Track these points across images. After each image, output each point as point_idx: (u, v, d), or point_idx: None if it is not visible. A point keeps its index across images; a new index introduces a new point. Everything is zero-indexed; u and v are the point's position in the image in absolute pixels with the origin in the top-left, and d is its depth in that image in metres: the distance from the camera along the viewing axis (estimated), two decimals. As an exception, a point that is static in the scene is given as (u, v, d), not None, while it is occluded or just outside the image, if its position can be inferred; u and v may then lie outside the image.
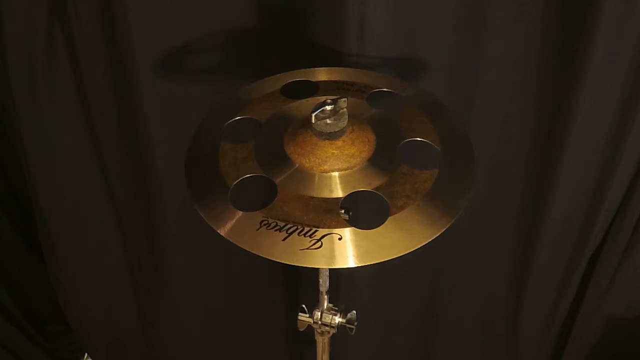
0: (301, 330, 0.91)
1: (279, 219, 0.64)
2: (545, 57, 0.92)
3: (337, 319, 0.89)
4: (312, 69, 0.86)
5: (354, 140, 0.70)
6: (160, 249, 1.25)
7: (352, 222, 0.64)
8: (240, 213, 0.65)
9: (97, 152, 1.12)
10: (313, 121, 0.68)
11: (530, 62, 0.93)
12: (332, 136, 0.69)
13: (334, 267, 0.62)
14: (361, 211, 0.68)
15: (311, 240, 0.62)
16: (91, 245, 1.27)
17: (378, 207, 0.66)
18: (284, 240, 0.62)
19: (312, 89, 0.81)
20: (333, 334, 0.92)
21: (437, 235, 0.63)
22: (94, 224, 1.23)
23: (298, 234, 0.62)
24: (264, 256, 0.61)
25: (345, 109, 0.69)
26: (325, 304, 0.89)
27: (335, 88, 0.82)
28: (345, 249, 0.62)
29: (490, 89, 0.97)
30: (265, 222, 0.63)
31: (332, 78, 0.84)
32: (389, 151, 0.72)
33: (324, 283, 0.87)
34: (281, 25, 0.96)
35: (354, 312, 0.89)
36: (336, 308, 0.90)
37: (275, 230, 0.63)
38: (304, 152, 0.70)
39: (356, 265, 0.61)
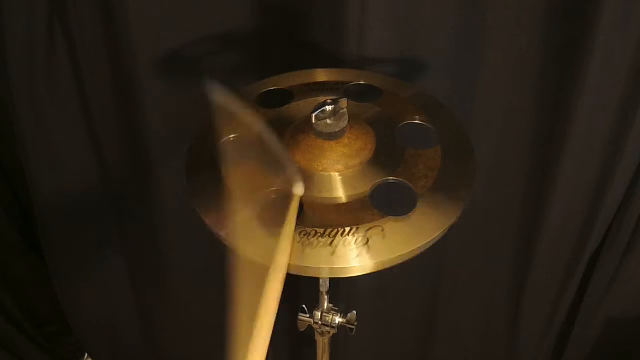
0: (301, 330, 0.91)
1: (315, 227, 0.63)
2: (545, 57, 0.92)
3: (337, 319, 0.89)
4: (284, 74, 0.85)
5: (357, 135, 0.71)
6: (160, 249, 1.25)
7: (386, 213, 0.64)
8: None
9: (98, 152, 1.12)
10: (313, 121, 0.68)
11: (530, 61, 0.93)
12: (332, 136, 0.69)
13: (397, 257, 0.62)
14: (384, 203, 0.68)
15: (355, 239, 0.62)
16: (91, 245, 1.27)
17: (397, 194, 0.66)
18: (330, 244, 0.62)
19: (287, 95, 0.81)
20: (333, 334, 0.92)
21: (462, 208, 0.64)
22: (93, 223, 1.23)
23: (341, 235, 0.62)
24: (316, 266, 0.63)
25: (345, 109, 0.69)
26: (325, 304, 0.89)
27: (309, 90, 0.81)
28: (391, 239, 0.62)
29: (490, 89, 0.97)
30: (304, 231, 0.63)
31: (305, 81, 0.84)
32: (390, 138, 0.73)
33: (324, 283, 0.87)
34: (281, 26, 0.96)
35: (354, 312, 0.89)
36: (336, 308, 0.90)
37: (317, 237, 0.62)
38: (313, 157, 0.70)
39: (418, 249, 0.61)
